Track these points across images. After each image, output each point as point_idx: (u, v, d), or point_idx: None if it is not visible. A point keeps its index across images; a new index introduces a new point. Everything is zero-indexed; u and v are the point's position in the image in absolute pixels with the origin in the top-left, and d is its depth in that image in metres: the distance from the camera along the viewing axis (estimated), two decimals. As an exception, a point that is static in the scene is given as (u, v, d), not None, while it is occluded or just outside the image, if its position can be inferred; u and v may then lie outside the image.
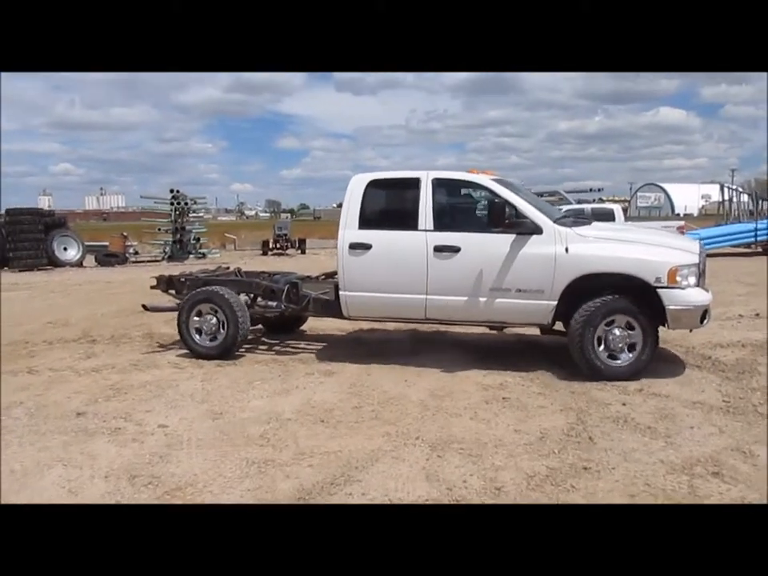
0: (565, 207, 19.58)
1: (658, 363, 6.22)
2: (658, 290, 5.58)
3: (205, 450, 4.25)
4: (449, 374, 6.01)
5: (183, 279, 7.40)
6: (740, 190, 29.02)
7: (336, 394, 5.43)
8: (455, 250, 5.99)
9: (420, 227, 6.12)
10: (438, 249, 6.01)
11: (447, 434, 4.49)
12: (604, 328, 5.70)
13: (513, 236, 5.87)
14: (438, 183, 6.24)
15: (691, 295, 5.64)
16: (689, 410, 4.95)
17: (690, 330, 6.14)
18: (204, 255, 22.35)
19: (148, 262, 21.67)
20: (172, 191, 22.21)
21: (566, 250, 5.74)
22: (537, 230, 5.85)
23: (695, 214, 65.30)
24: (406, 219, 6.23)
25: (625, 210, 26.87)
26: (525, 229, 5.87)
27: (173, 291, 7.51)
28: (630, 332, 5.72)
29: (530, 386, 5.61)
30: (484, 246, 5.98)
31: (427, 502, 3.49)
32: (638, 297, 5.67)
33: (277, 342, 7.67)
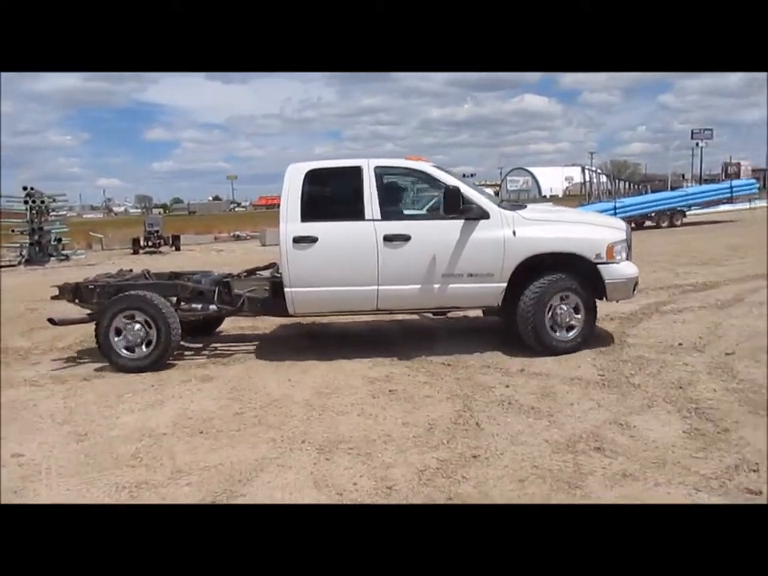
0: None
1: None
2: (598, 266, 5.95)
3: (67, 479, 3.81)
4: (334, 369, 5.85)
5: (93, 286, 6.61)
6: (599, 171, 31.05)
7: (215, 401, 5.11)
8: (405, 238, 5.92)
9: (367, 217, 5.97)
10: (388, 238, 5.91)
11: (335, 434, 4.32)
12: (553, 305, 5.96)
13: (461, 222, 5.92)
14: (380, 172, 6.13)
15: (625, 269, 6.10)
16: (568, 386, 5.09)
17: (617, 301, 6.46)
18: (67, 257, 20.70)
19: (2, 267, 19.79)
20: (26, 188, 20.40)
21: (514, 233, 5.91)
22: (484, 214, 5.95)
23: (560, 195, 69.30)
24: (351, 209, 6.04)
25: (497, 194, 27.85)
26: (473, 214, 5.92)
27: (78, 301, 6.72)
28: (574, 307, 6.02)
29: (415, 375, 5.56)
30: (434, 233, 5.98)
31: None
32: (578, 273, 5.99)
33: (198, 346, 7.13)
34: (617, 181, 29.81)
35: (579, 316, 6.03)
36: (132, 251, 23.27)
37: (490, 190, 24.42)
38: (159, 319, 6.03)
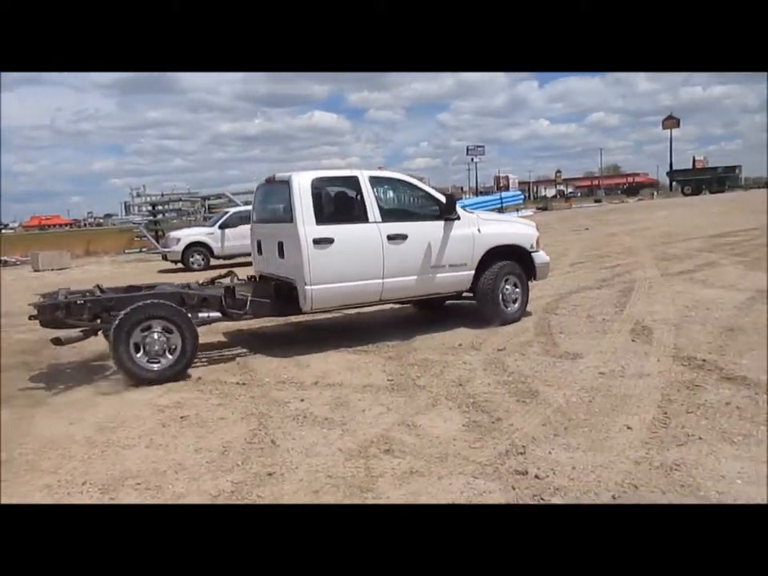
0: (233, 209, 19.62)
1: (327, 354, 6.56)
2: (532, 254, 7.75)
3: None
4: (119, 400, 5.46)
5: (83, 302, 6.06)
6: (386, 185, 32.63)
7: (-24, 451, 4.50)
8: (404, 237, 6.88)
9: (371, 220, 6.78)
10: (391, 237, 6.80)
11: (120, 470, 4.03)
12: (503, 284, 7.47)
13: (442, 222, 7.15)
14: (373, 181, 6.98)
15: (544, 256, 7.99)
16: (360, 394, 5.28)
17: (532, 280, 7.90)
18: None
19: None
20: None
21: (479, 230, 7.35)
22: (458, 216, 7.24)
23: (353, 208, 71.79)
24: (357, 213, 6.82)
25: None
26: (451, 216, 7.15)
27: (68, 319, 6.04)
28: (515, 286, 7.61)
29: (208, 398, 5.39)
30: (425, 232, 7.07)
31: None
32: (517, 260, 7.62)
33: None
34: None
35: (519, 291, 7.63)
36: None
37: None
38: (185, 327, 5.97)
